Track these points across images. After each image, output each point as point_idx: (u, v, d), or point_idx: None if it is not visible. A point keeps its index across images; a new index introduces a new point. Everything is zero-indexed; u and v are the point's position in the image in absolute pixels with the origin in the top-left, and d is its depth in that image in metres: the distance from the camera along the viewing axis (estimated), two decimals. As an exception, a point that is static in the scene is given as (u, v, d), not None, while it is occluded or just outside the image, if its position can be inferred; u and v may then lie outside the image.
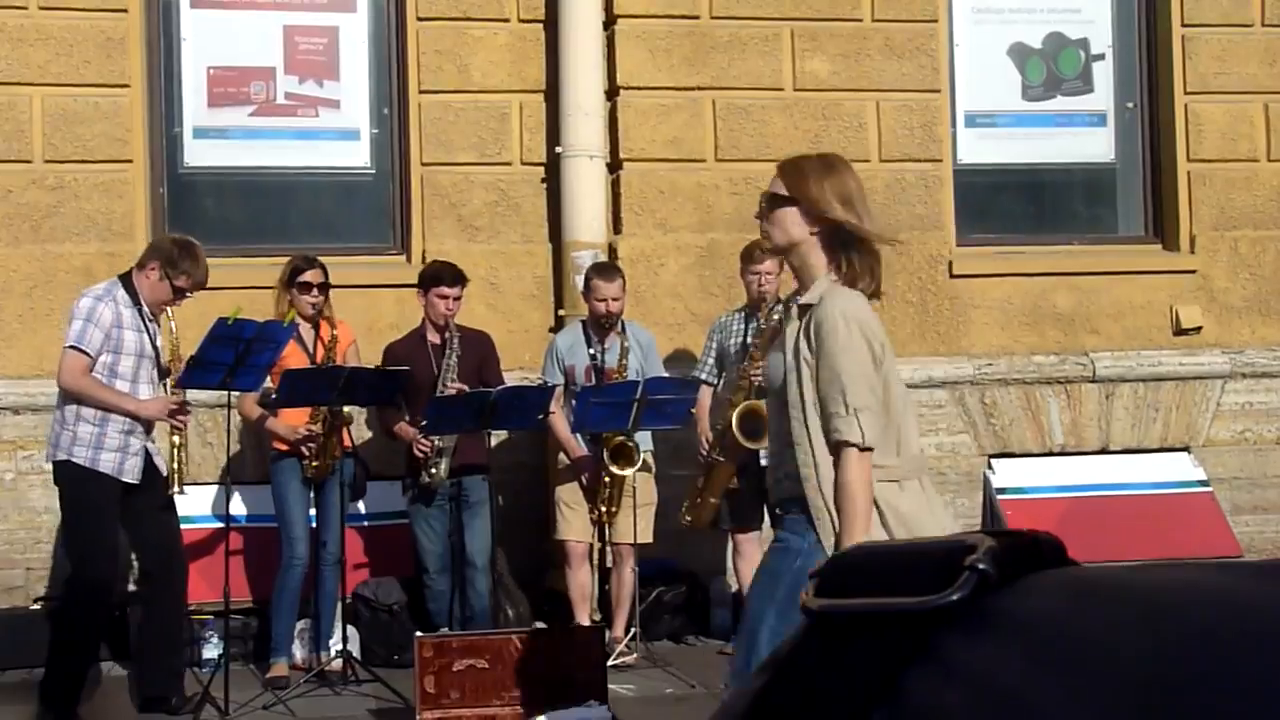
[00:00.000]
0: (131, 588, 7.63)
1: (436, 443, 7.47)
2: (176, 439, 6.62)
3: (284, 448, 7.43)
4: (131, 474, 6.53)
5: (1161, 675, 0.82)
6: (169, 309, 6.64)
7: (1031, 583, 0.91)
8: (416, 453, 7.49)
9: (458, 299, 7.67)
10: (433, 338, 7.70)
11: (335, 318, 7.59)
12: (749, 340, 7.80)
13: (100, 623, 6.80)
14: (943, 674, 0.88)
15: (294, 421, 7.36)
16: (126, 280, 6.68)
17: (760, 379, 7.73)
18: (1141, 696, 0.81)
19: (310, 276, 7.44)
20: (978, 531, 0.97)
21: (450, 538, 7.67)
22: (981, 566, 0.90)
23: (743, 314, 7.98)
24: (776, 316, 7.79)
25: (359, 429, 8.02)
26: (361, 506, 8.06)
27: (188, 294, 6.69)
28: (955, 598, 0.89)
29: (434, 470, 7.49)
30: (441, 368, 7.58)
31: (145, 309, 6.62)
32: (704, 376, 8.02)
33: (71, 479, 6.54)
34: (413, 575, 8.03)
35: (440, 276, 7.67)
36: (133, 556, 7.32)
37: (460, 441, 7.48)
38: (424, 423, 7.34)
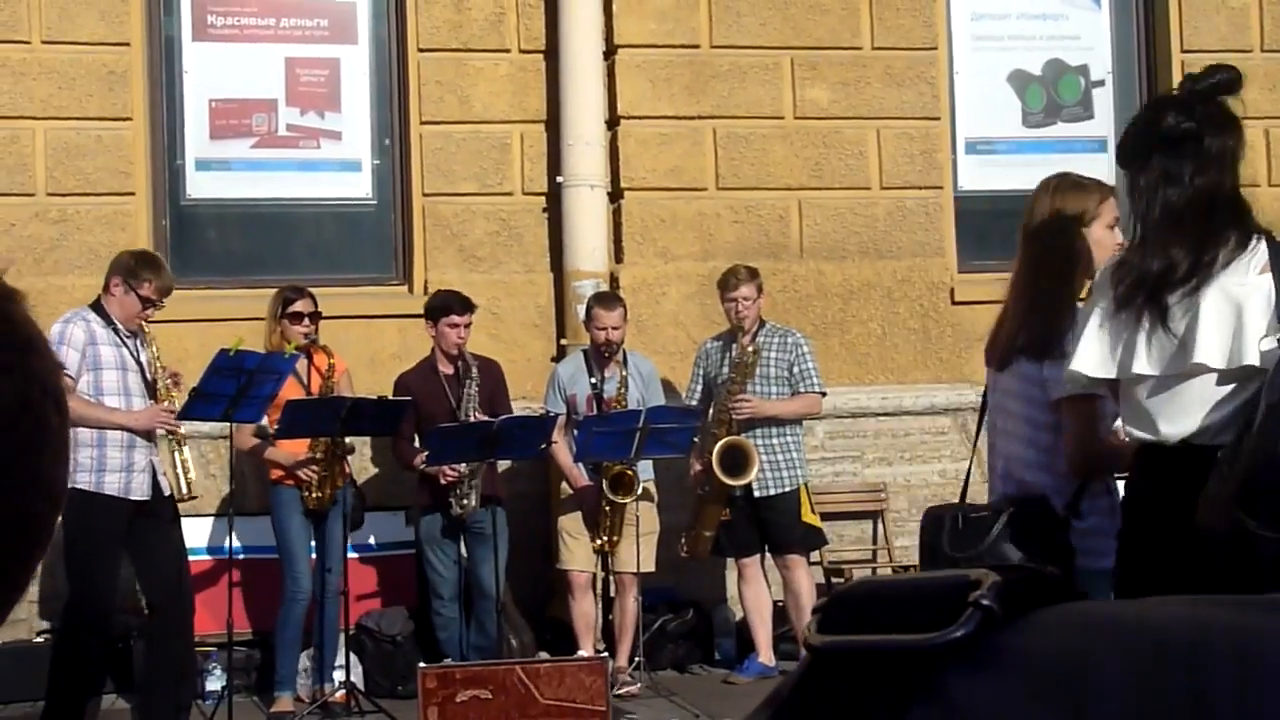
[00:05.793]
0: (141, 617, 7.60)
1: (463, 470, 7.44)
2: (175, 444, 6.55)
3: (280, 474, 7.40)
4: (140, 491, 6.46)
5: (1167, 713, 0.81)
6: (142, 323, 6.55)
7: (1037, 619, 0.90)
8: (443, 481, 7.45)
9: (468, 326, 7.64)
10: (444, 368, 7.66)
11: (328, 347, 7.58)
12: (729, 371, 7.75)
13: (99, 654, 6.75)
14: (947, 711, 0.87)
15: (292, 450, 7.34)
16: (96, 305, 6.62)
17: (739, 413, 7.66)
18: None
19: (301, 306, 7.41)
20: (982, 566, 0.97)
21: (458, 564, 7.66)
22: (986, 603, 0.89)
23: (722, 341, 7.94)
24: (751, 347, 7.73)
25: (358, 459, 8.00)
26: (371, 538, 8.04)
27: (157, 303, 6.52)
28: (959, 634, 0.88)
29: (465, 502, 7.47)
30: (462, 397, 7.54)
31: (120, 327, 6.56)
32: (692, 405, 7.97)
33: (74, 506, 6.49)
34: (417, 605, 8.01)
35: (449, 306, 7.63)
36: (137, 588, 7.28)
37: (484, 472, 7.46)
38: (427, 454, 7.32)
